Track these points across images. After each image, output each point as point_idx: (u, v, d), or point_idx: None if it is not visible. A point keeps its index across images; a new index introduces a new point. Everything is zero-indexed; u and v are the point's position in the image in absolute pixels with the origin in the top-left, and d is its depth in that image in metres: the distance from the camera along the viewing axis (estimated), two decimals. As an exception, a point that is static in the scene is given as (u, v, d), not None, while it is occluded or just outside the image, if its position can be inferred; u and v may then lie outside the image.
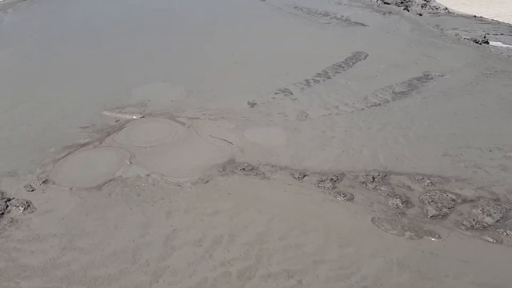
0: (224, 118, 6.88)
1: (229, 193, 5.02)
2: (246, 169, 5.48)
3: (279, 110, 7.16)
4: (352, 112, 7.13)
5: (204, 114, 7.01)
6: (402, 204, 4.83)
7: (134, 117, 6.90)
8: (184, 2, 16.25)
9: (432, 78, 8.54)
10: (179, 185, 5.18)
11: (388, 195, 5.00)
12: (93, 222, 4.58)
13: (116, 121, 6.77)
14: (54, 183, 5.25)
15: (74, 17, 13.85)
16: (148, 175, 5.40)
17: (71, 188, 5.12)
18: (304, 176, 5.36)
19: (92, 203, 4.86)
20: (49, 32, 12.13)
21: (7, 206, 4.79)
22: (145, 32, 12.02)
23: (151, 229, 4.49)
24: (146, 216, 4.67)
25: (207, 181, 5.25)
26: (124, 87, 8.11)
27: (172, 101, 7.51)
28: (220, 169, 5.49)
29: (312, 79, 8.48)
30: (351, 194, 5.00)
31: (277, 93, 7.83)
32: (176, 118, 6.90)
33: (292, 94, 7.80)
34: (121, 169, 5.50)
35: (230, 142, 6.16)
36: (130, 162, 5.65)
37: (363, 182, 5.24)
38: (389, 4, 15.56)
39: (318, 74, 8.73)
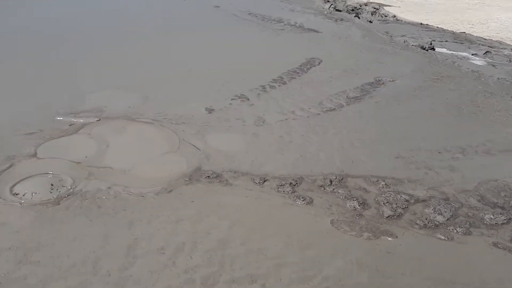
0: (184, 123, 6.85)
1: (192, 201, 5.01)
2: (211, 177, 5.49)
3: (237, 116, 7.22)
4: (308, 117, 7.29)
5: (165, 119, 6.95)
6: (359, 206, 5.00)
7: (91, 120, 6.77)
8: (136, 9, 16.00)
9: (383, 83, 8.88)
10: (142, 196, 5.09)
11: (345, 197, 5.16)
12: (50, 235, 4.43)
13: (70, 125, 6.59)
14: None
15: (22, 23, 13.33)
16: (109, 187, 5.24)
17: (21, 203, 4.87)
18: (265, 181, 5.43)
19: (48, 216, 4.69)
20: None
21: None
22: (97, 39, 11.72)
23: (112, 239, 4.40)
24: (107, 227, 4.57)
25: (170, 191, 5.21)
26: (78, 94, 7.87)
27: (129, 107, 7.40)
28: (186, 179, 5.45)
29: (268, 84, 8.60)
30: (310, 198, 5.12)
31: (233, 99, 7.89)
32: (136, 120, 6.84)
33: (248, 99, 7.88)
34: (82, 182, 5.31)
35: (198, 148, 6.15)
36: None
37: (321, 186, 5.38)
38: (340, 11, 16.02)
39: (274, 80, 8.86)
